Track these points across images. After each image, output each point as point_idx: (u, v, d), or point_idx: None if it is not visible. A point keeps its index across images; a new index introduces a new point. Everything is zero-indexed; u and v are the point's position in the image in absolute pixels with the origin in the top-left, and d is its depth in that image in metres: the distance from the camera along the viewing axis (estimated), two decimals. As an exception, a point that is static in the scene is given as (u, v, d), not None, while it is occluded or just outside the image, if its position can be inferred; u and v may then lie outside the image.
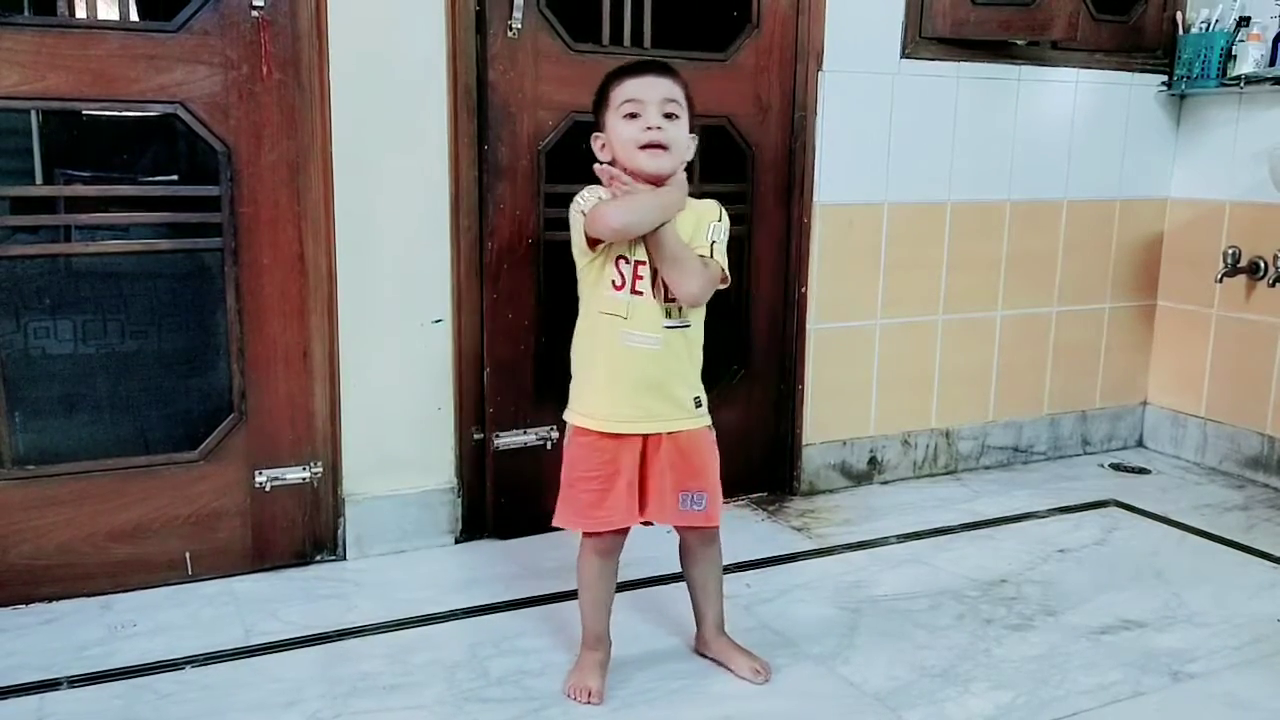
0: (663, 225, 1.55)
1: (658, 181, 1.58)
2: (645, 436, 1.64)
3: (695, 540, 1.75)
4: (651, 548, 1.91)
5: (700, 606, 1.80)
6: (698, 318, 1.67)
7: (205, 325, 2.01)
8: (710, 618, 1.79)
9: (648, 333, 1.60)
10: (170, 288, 1.99)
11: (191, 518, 2.04)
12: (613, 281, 1.60)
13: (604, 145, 1.63)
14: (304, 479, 2.10)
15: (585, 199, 1.61)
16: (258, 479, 2.06)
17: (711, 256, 1.63)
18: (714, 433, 1.72)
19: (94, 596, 1.97)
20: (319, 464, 2.11)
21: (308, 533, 2.14)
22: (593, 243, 1.59)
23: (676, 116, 1.59)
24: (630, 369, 1.61)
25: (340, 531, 2.16)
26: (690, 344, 1.67)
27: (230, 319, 2.00)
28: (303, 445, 2.10)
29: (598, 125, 1.65)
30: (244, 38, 1.93)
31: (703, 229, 1.64)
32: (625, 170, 1.58)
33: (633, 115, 1.57)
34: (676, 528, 1.73)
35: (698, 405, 1.68)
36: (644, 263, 1.59)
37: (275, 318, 2.03)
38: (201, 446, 2.03)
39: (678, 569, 1.82)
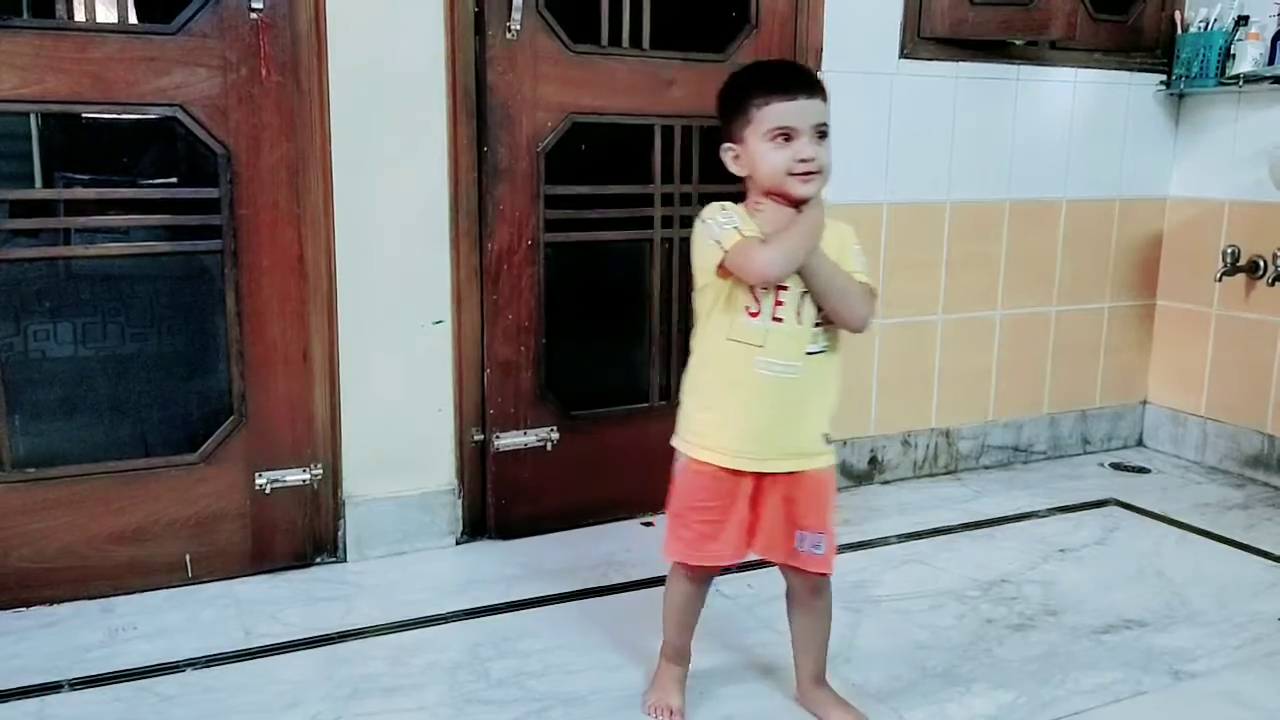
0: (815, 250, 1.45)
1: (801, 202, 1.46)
2: (762, 476, 1.52)
3: (805, 586, 1.60)
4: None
5: (799, 655, 1.67)
6: (838, 339, 1.52)
7: (205, 327, 2.01)
8: (809, 668, 1.66)
9: (788, 360, 1.47)
10: (170, 290, 1.99)
11: (191, 520, 2.04)
12: (746, 308, 1.47)
13: (738, 157, 1.49)
14: (304, 481, 2.10)
15: (720, 224, 1.45)
16: (258, 481, 2.06)
17: (864, 279, 1.51)
18: (835, 471, 1.60)
19: (95, 599, 1.97)
20: (319, 466, 2.11)
21: (308, 535, 2.14)
22: (726, 270, 1.47)
23: (826, 135, 1.45)
24: (764, 401, 1.49)
25: (340, 533, 2.16)
26: (831, 371, 1.53)
27: (230, 321, 2.00)
28: (303, 447, 2.10)
29: (728, 135, 1.49)
30: (243, 40, 1.92)
31: (847, 251, 1.52)
32: (764, 189, 1.47)
33: (784, 138, 1.43)
34: (784, 569, 1.60)
35: (827, 442, 1.54)
36: (785, 288, 1.46)
37: (275, 320, 2.03)
38: (201, 449, 2.02)
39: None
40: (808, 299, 1.47)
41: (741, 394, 1.49)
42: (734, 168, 1.50)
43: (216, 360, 2.02)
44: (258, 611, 1.95)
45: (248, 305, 2.00)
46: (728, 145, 1.50)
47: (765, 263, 1.42)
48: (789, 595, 1.65)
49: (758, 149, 1.45)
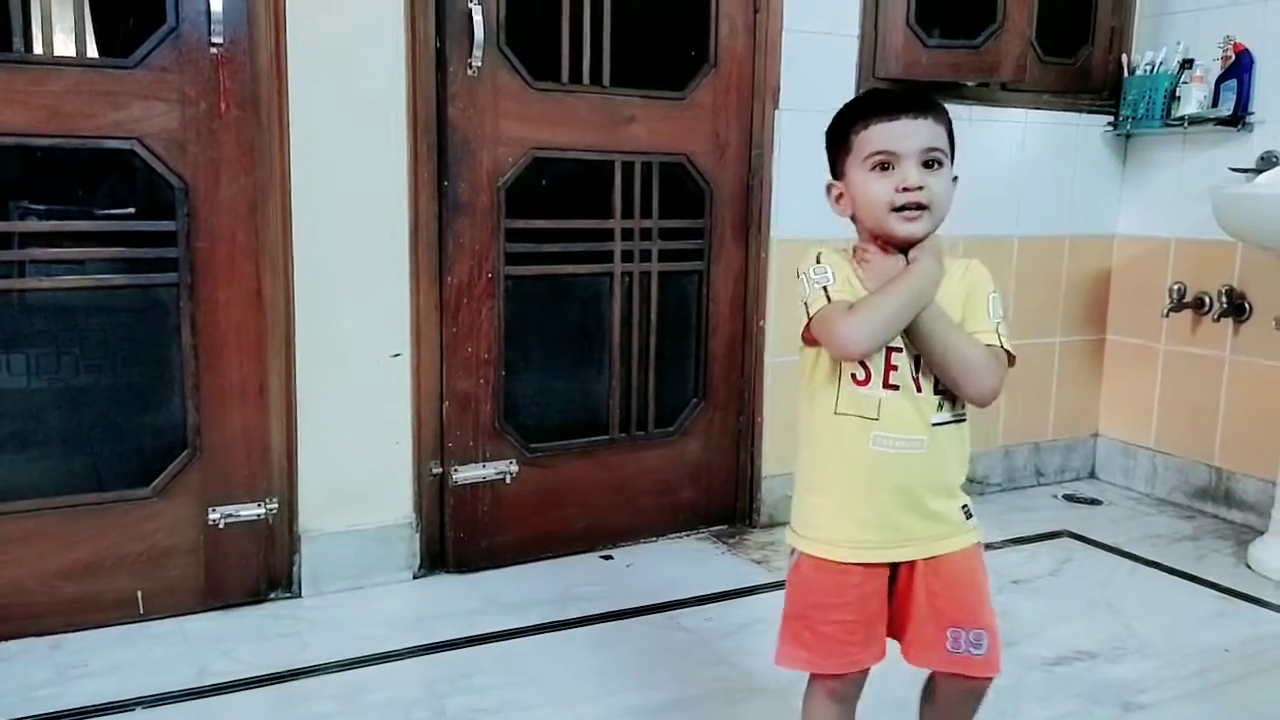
0: (924, 311, 1.22)
1: (908, 245, 1.26)
2: (896, 564, 1.30)
3: (959, 692, 1.33)
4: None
5: None
6: (967, 405, 1.30)
7: (160, 360, 2.00)
8: None
9: (909, 434, 1.25)
10: (125, 322, 1.98)
11: (143, 556, 2.01)
12: (853, 375, 1.26)
13: (841, 196, 1.29)
14: (259, 515, 2.08)
15: (810, 281, 1.26)
16: (211, 516, 2.04)
17: (999, 342, 1.25)
18: (983, 547, 1.35)
19: (43, 636, 1.93)
20: (274, 500, 2.09)
21: (262, 570, 2.12)
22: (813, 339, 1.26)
23: (940, 165, 1.24)
24: (883, 482, 1.26)
25: (295, 568, 2.14)
26: (962, 441, 1.30)
27: (185, 354, 1.99)
28: (258, 481, 2.08)
29: (834, 170, 1.31)
30: (202, 74, 1.93)
31: (979, 301, 1.28)
32: (867, 231, 1.28)
33: (883, 167, 1.24)
34: (939, 676, 1.34)
35: (968, 516, 1.31)
36: (897, 350, 1.25)
37: (231, 353, 2.02)
38: (154, 483, 2.00)
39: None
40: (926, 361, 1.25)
41: (858, 477, 1.27)
42: (836, 208, 1.31)
43: (171, 393, 2.00)
44: (210, 649, 1.93)
45: (203, 338, 1.99)
46: (830, 183, 1.31)
47: (845, 339, 1.20)
48: (934, 697, 1.37)
49: (857, 180, 1.26)
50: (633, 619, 2.10)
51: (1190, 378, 2.86)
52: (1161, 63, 2.83)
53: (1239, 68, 2.68)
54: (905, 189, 1.22)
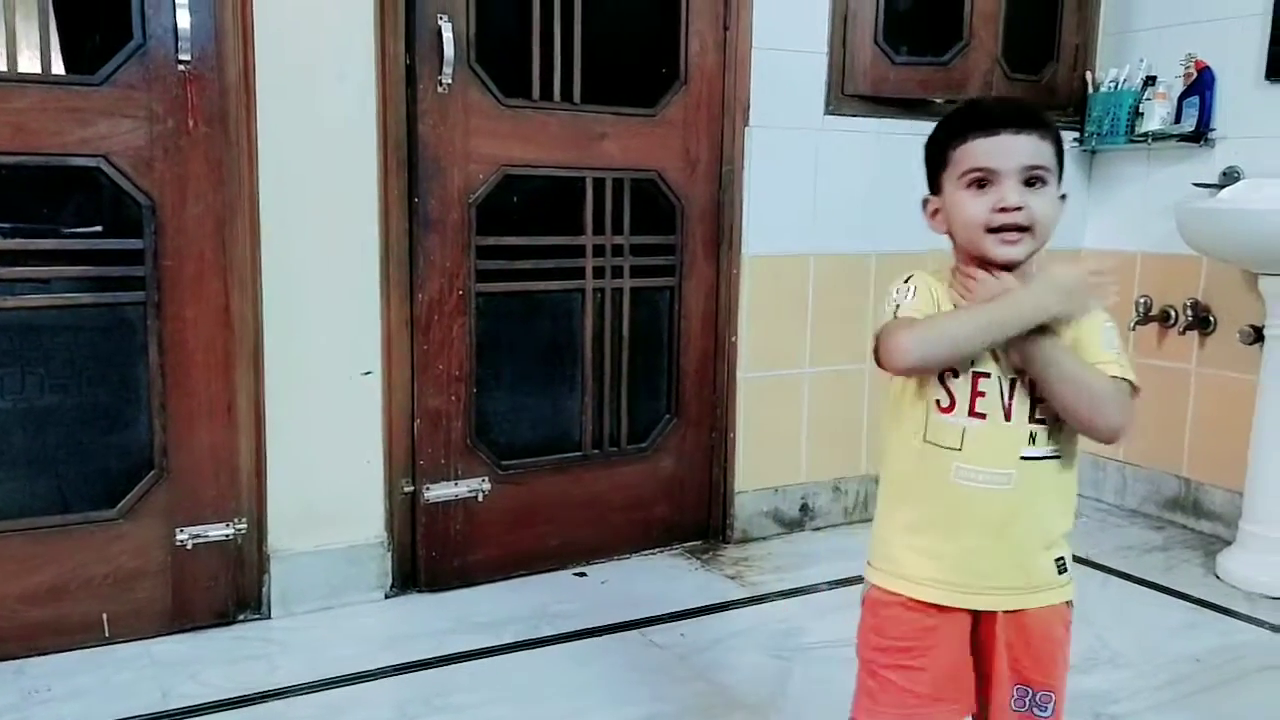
0: (1045, 336, 1.12)
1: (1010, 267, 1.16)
2: (977, 612, 1.20)
3: None
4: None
5: None
6: (1072, 441, 1.19)
7: (126, 379, 1.97)
8: None
9: (994, 468, 1.16)
10: (91, 341, 1.95)
11: (109, 578, 1.98)
12: (937, 401, 1.18)
13: (937, 212, 1.21)
14: (227, 536, 2.05)
15: (891, 298, 1.20)
16: (179, 537, 2.01)
17: (1123, 374, 1.15)
18: (1072, 608, 1.24)
19: (7, 661, 1.90)
20: (243, 520, 2.07)
21: (231, 591, 2.09)
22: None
23: (1043, 182, 1.15)
24: (967, 520, 1.17)
25: (265, 589, 2.12)
26: (1061, 481, 1.20)
27: (152, 373, 1.96)
28: (226, 501, 2.05)
29: (932, 185, 1.23)
30: (169, 91, 1.92)
31: (1093, 336, 1.16)
32: (964, 254, 1.19)
33: (980, 185, 1.15)
34: None
35: (1060, 570, 1.20)
36: (985, 374, 1.16)
37: (199, 372, 2.00)
38: (120, 504, 1.97)
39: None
40: (1020, 387, 1.15)
41: (940, 512, 1.19)
42: (933, 225, 1.23)
43: (138, 413, 1.98)
44: (177, 672, 1.90)
45: (170, 357, 1.97)
46: (926, 197, 1.24)
47: (893, 349, 1.13)
48: None
49: (954, 197, 1.18)
50: (607, 636, 2.09)
51: (1158, 390, 2.89)
52: (1125, 80, 2.88)
53: (1201, 84, 2.73)
54: (1003, 209, 1.13)
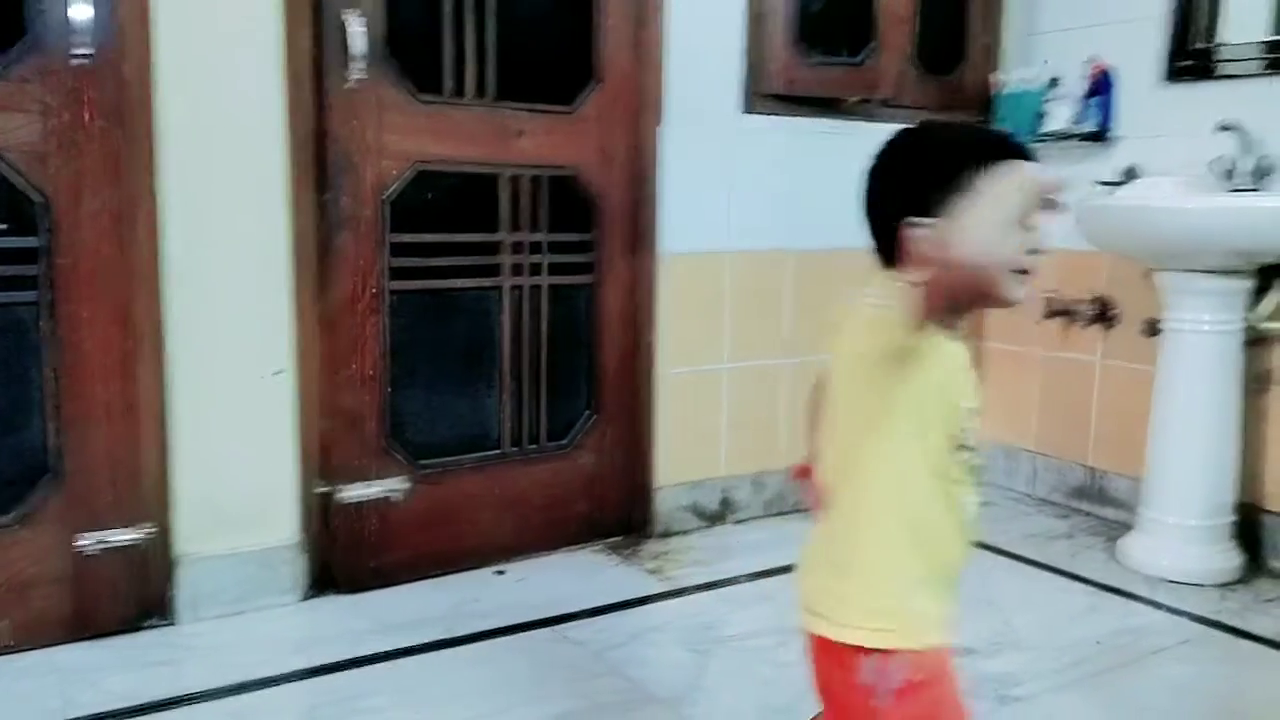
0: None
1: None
2: None
3: None
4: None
5: None
6: None
7: (19, 381, 1.90)
8: None
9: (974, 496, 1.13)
10: (-18, 343, 1.89)
11: (6, 586, 1.91)
12: (955, 439, 1.08)
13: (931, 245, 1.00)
14: (132, 540, 2.00)
15: (871, 302, 1.07)
16: (79, 542, 1.95)
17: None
18: None
19: (-104, 674, 1.83)
20: (148, 524, 2.02)
21: (136, 597, 2.04)
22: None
23: None
24: (965, 549, 1.13)
25: (172, 594, 2.07)
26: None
27: (45, 375, 1.90)
28: (128, 505, 2.00)
29: (919, 208, 1.03)
30: (65, 85, 1.86)
31: None
32: (945, 296, 0.97)
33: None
34: None
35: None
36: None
37: (96, 372, 1.94)
38: (15, 511, 1.91)
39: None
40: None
41: (959, 549, 1.12)
42: (916, 256, 1.01)
43: (31, 416, 1.91)
44: (79, 680, 1.84)
45: (66, 358, 1.91)
46: (915, 221, 1.02)
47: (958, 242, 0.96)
48: None
49: (977, 229, 0.98)
50: (523, 633, 2.09)
51: (1065, 382, 2.98)
52: (1031, 81, 2.95)
53: (1102, 86, 2.82)
54: (1036, 251, 1.00)
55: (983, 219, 0.98)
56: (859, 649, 1.07)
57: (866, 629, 1.07)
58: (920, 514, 1.08)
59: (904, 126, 1.14)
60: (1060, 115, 2.87)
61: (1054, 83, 2.90)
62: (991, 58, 3.07)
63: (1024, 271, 1.00)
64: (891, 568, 1.09)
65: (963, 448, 1.08)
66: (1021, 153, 1.05)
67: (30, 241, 1.88)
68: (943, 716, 1.11)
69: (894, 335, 1.00)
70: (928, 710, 1.09)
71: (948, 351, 1.06)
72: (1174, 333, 2.46)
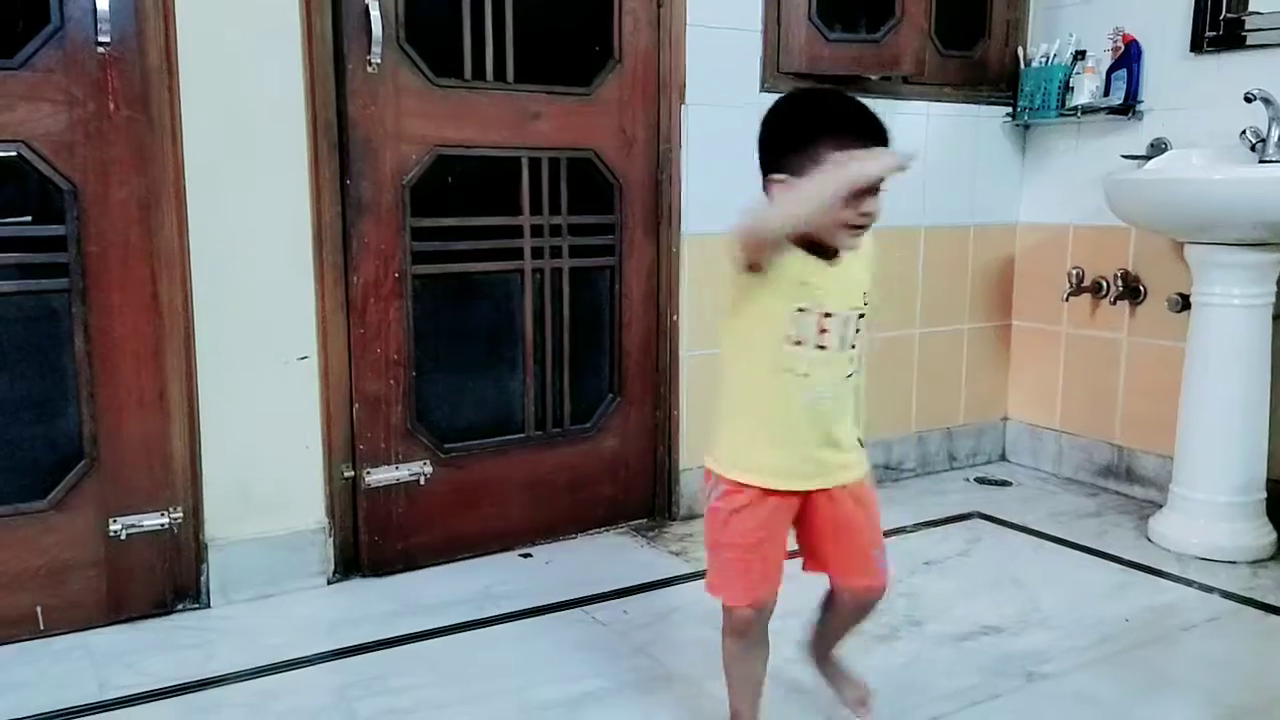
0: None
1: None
2: (811, 492, 1.47)
3: (868, 601, 1.58)
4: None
5: (824, 637, 1.68)
6: (862, 362, 1.50)
7: (53, 368, 1.93)
8: (829, 646, 1.69)
9: (829, 388, 1.43)
10: (15, 331, 1.91)
11: (42, 570, 1.95)
12: (788, 336, 1.39)
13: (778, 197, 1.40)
14: (163, 525, 2.03)
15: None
16: (112, 527, 1.98)
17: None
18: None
19: (-63, 657, 1.87)
20: (179, 509, 2.04)
21: (168, 581, 2.07)
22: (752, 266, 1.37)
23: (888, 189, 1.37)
24: (812, 427, 1.43)
25: (203, 578, 2.10)
26: (860, 388, 1.50)
27: (79, 361, 1.93)
28: (160, 490, 2.03)
29: (780, 165, 1.39)
30: (89, 74, 1.88)
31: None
32: (801, 233, 1.36)
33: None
34: (849, 587, 1.56)
35: (862, 445, 1.52)
36: (831, 314, 1.40)
37: (127, 359, 1.97)
38: (51, 495, 1.94)
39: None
40: (851, 323, 1.42)
41: (790, 424, 1.44)
42: (767, 198, 1.42)
43: (66, 402, 1.94)
44: (113, 663, 1.88)
45: (97, 345, 1.94)
46: (775, 177, 1.39)
47: (761, 224, 1.36)
48: (841, 607, 1.60)
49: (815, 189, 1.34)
50: (550, 615, 2.10)
51: (1091, 360, 2.96)
52: (1055, 54, 2.92)
53: (1128, 58, 2.77)
54: (865, 214, 1.34)
55: (816, 189, 1.30)
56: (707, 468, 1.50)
57: (709, 456, 1.50)
58: (750, 392, 1.45)
59: (794, 89, 1.52)
60: (1086, 89, 2.83)
61: (1080, 56, 2.86)
62: (1014, 32, 3.03)
63: (856, 227, 1.34)
64: (724, 416, 1.48)
65: (801, 310, 1.38)
66: (878, 136, 1.36)
67: (58, 229, 1.90)
68: (723, 534, 1.46)
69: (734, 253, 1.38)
70: (718, 522, 1.47)
71: (784, 263, 1.37)
72: (1203, 307, 2.43)
